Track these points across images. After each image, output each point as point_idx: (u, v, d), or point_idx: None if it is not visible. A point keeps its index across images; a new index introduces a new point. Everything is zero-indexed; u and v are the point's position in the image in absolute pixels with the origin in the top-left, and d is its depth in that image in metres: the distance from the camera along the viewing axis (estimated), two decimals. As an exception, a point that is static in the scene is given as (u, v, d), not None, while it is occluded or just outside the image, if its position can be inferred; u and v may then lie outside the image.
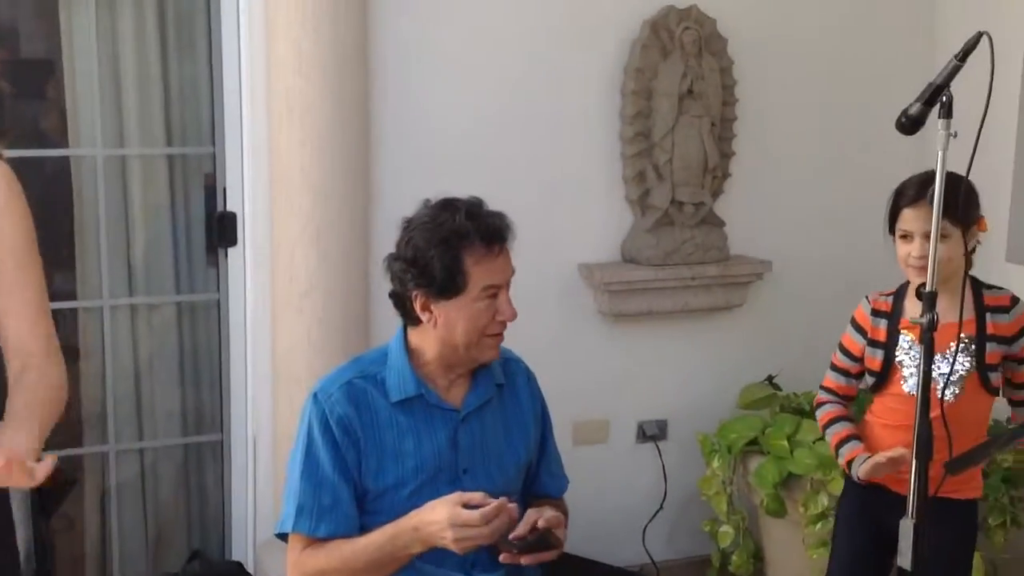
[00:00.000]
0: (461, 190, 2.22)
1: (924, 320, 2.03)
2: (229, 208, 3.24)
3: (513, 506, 2.03)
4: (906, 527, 2.02)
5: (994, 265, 3.60)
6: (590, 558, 3.36)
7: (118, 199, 3.23)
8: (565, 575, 2.58)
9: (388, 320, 3.08)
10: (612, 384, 3.66)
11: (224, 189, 3.23)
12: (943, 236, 2.19)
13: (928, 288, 2.04)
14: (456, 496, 2.01)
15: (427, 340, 2.15)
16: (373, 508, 2.11)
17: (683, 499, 3.70)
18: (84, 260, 3.22)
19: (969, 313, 2.44)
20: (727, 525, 3.45)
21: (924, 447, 2.02)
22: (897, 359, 2.55)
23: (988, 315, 2.48)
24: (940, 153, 1.97)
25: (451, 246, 2.06)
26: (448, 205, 2.12)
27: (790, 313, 3.78)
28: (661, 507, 3.69)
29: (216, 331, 3.30)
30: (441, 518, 1.98)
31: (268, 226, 3.18)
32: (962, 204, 2.21)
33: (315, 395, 2.14)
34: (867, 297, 2.64)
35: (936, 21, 3.82)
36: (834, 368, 2.68)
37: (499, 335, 2.15)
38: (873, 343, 2.59)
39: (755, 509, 3.45)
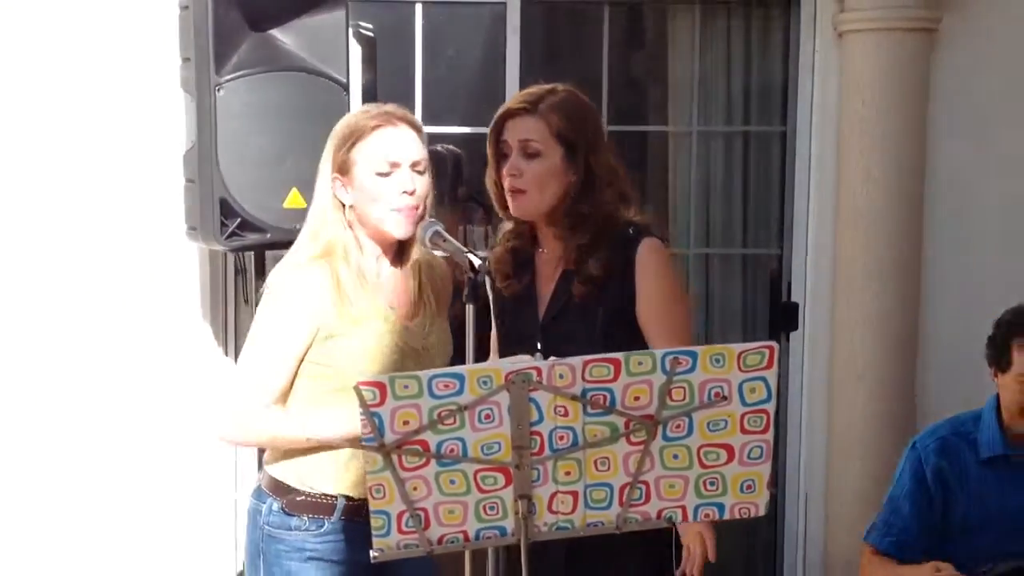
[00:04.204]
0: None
1: None
2: (792, 299, 3.85)
3: None
4: None
5: None
6: None
7: (701, 289, 3.95)
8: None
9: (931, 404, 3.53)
10: None
11: (788, 283, 3.86)
12: None
13: None
14: None
15: (1003, 403, 2.58)
16: (962, 541, 2.54)
17: None
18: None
19: None
20: None
21: None
22: None
23: None
24: None
25: (1003, 331, 2.53)
26: None
27: None
28: None
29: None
30: None
31: (828, 315, 3.74)
32: None
33: (914, 443, 2.65)
34: None
35: None
36: None
37: None
38: None
39: None
